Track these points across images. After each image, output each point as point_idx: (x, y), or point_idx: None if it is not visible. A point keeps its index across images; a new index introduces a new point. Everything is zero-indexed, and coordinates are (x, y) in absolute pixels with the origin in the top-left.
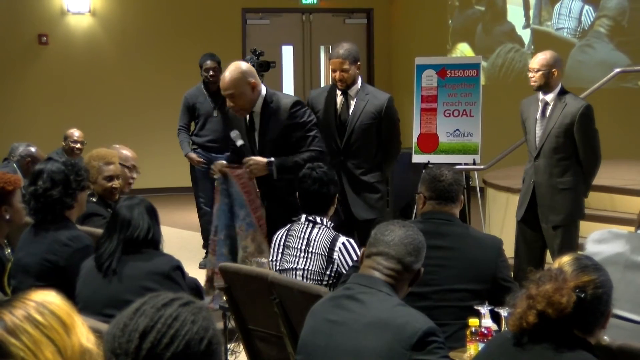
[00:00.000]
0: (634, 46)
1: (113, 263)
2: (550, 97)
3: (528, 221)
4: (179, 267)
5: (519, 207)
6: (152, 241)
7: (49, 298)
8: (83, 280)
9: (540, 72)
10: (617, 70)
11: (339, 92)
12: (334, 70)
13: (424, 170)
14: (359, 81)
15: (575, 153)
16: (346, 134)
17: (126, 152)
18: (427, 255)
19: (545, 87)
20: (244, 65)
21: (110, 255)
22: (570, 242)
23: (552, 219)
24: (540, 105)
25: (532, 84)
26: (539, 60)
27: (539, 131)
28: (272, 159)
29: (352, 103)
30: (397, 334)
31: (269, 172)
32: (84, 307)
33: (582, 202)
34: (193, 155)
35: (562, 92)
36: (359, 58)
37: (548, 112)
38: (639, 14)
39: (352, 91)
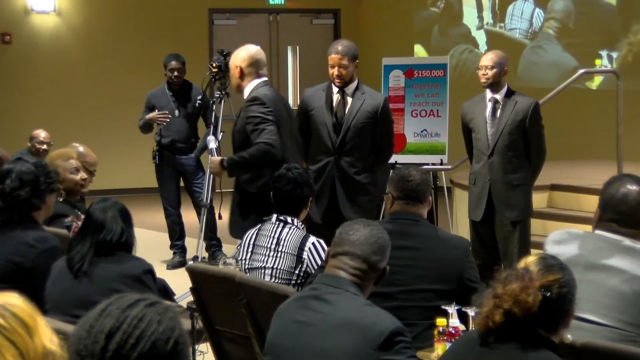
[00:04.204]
0: (581, 48)
1: (84, 265)
2: (499, 95)
3: (483, 221)
4: (150, 271)
5: (475, 207)
6: (125, 244)
7: (11, 300)
8: (53, 280)
9: (495, 70)
10: (582, 71)
11: (335, 90)
12: (332, 67)
13: (392, 171)
14: (356, 80)
15: (525, 149)
16: (342, 132)
17: (90, 155)
18: (393, 256)
19: (495, 85)
20: (249, 50)
21: (82, 257)
22: (526, 238)
23: (508, 215)
24: (490, 104)
25: (484, 81)
26: (491, 58)
27: (490, 129)
28: (225, 157)
29: (349, 101)
30: (364, 334)
31: (225, 170)
32: (53, 307)
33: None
34: (152, 114)
35: (510, 91)
36: (357, 56)
37: (499, 110)
38: (584, 17)
39: (349, 89)
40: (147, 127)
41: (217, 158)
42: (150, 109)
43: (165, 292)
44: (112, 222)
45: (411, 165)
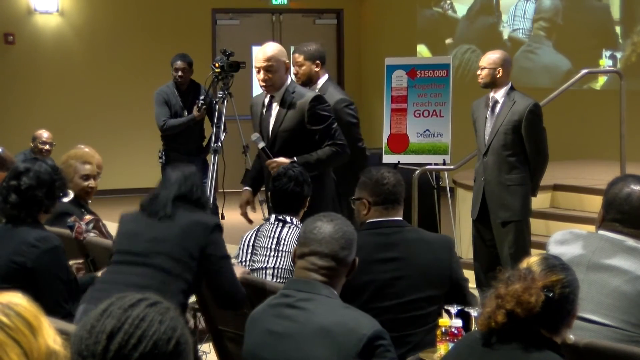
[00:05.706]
0: (582, 48)
1: (167, 209)
2: (499, 95)
3: (483, 219)
4: (220, 227)
5: (473, 206)
6: (200, 203)
7: (15, 299)
8: (127, 221)
9: (487, 70)
10: (585, 71)
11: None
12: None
13: (362, 175)
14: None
15: (523, 150)
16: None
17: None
18: (382, 269)
19: (491, 85)
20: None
21: (165, 203)
22: (521, 240)
23: (500, 215)
24: (490, 103)
25: (479, 81)
26: (487, 58)
27: (488, 128)
28: (295, 158)
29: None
30: (343, 341)
31: None
32: (120, 243)
33: (530, 200)
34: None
35: (511, 90)
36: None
37: (497, 109)
38: (585, 17)
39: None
40: (188, 123)
41: (285, 160)
42: (167, 103)
43: None
44: (195, 180)
45: (382, 167)
